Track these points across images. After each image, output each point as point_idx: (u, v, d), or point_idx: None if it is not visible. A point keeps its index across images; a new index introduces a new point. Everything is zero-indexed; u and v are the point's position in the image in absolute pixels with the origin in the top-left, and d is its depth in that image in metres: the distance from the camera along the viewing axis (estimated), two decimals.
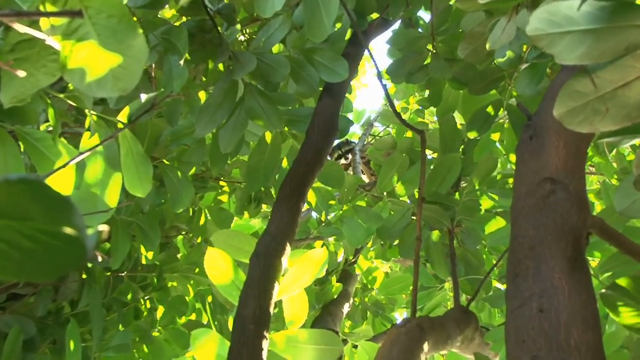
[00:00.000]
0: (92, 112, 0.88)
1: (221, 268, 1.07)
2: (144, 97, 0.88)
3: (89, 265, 1.59)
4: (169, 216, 1.80)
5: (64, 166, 0.77)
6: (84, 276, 1.61)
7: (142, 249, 1.81)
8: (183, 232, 2.11)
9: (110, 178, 0.94)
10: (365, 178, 3.42)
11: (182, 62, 1.07)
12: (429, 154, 2.28)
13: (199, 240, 1.98)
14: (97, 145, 0.85)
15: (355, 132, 4.52)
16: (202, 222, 1.93)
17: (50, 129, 0.87)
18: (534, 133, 0.92)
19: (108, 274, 1.71)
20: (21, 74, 0.55)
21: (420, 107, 2.67)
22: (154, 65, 1.09)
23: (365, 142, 3.66)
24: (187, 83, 1.37)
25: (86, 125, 0.89)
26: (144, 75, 1.18)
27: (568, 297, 0.65)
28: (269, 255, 0.99)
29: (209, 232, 1.95)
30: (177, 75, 1.05)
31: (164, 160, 1.43)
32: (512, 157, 1.84)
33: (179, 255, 2.07)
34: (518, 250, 0.76)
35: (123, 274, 1.76)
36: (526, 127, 0.96)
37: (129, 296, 1.77)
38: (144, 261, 1.86)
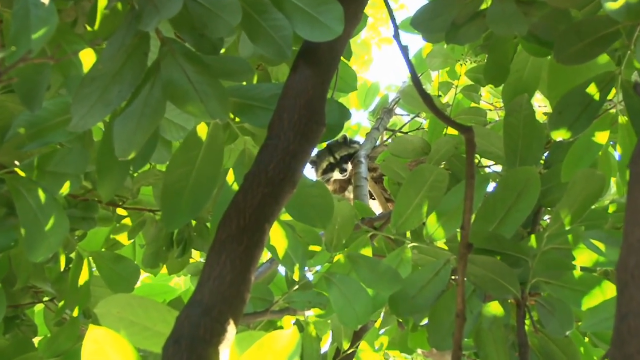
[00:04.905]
0: None
1: None
2: None
3: None
4: (22, 270, 1.80)
5: None
6: None
7: None
8: (46, 299, 2.10)
9: None
10: (374, 206, 3.43)
11: None
12: (485, 164, 2.29)
13: (75, 312, 1.98)
14: None
15: (361, 124, 4.53)
16: (83, 280, 1.93)
17: None
18: None
19: None
20: None
21: (472, 84, 2.69)
22: None
23: (377, 143, 3.67)
24: (59, 35, 1.38)
25: None
26: None
27: None
28: (198, 340, 1.00)
29: (93, 298, 1.95)
30: (40, 22, 1.06)
31: (16, 170, 1.43)
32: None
33: (36, 340, 2.06)
34: (628, 339, 0.78)
35: None
36: None
37: None
38: None
